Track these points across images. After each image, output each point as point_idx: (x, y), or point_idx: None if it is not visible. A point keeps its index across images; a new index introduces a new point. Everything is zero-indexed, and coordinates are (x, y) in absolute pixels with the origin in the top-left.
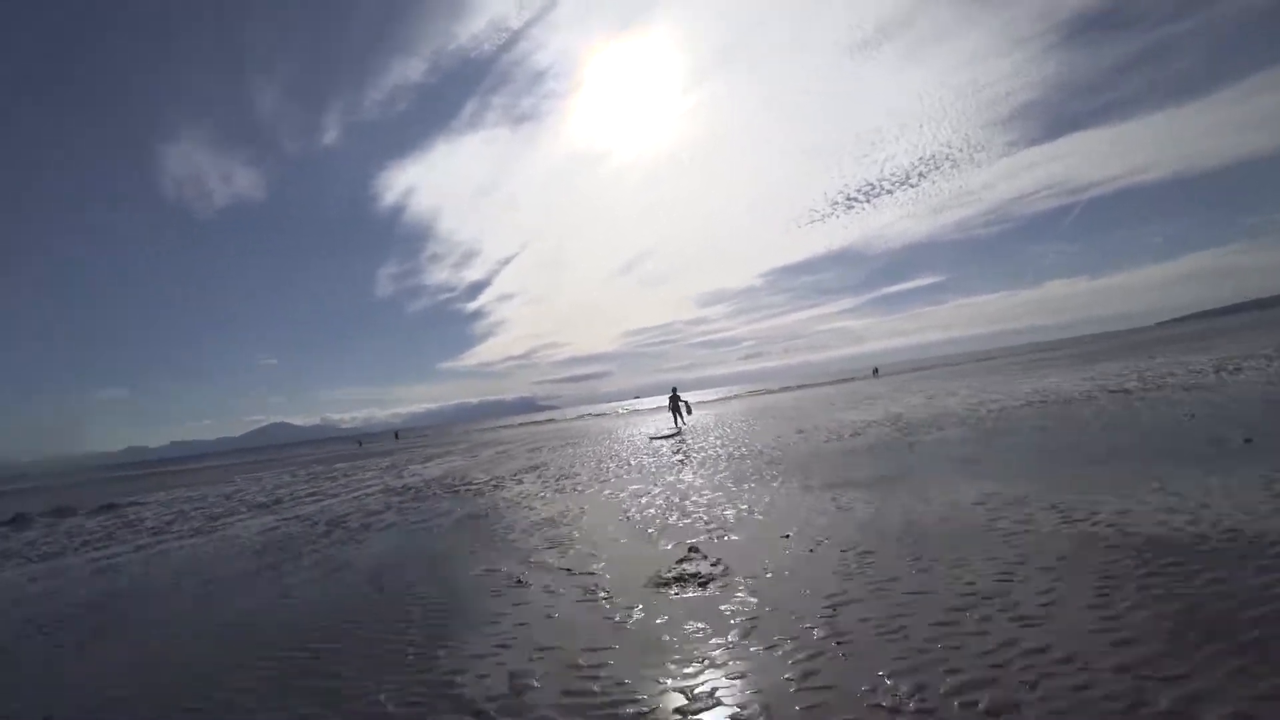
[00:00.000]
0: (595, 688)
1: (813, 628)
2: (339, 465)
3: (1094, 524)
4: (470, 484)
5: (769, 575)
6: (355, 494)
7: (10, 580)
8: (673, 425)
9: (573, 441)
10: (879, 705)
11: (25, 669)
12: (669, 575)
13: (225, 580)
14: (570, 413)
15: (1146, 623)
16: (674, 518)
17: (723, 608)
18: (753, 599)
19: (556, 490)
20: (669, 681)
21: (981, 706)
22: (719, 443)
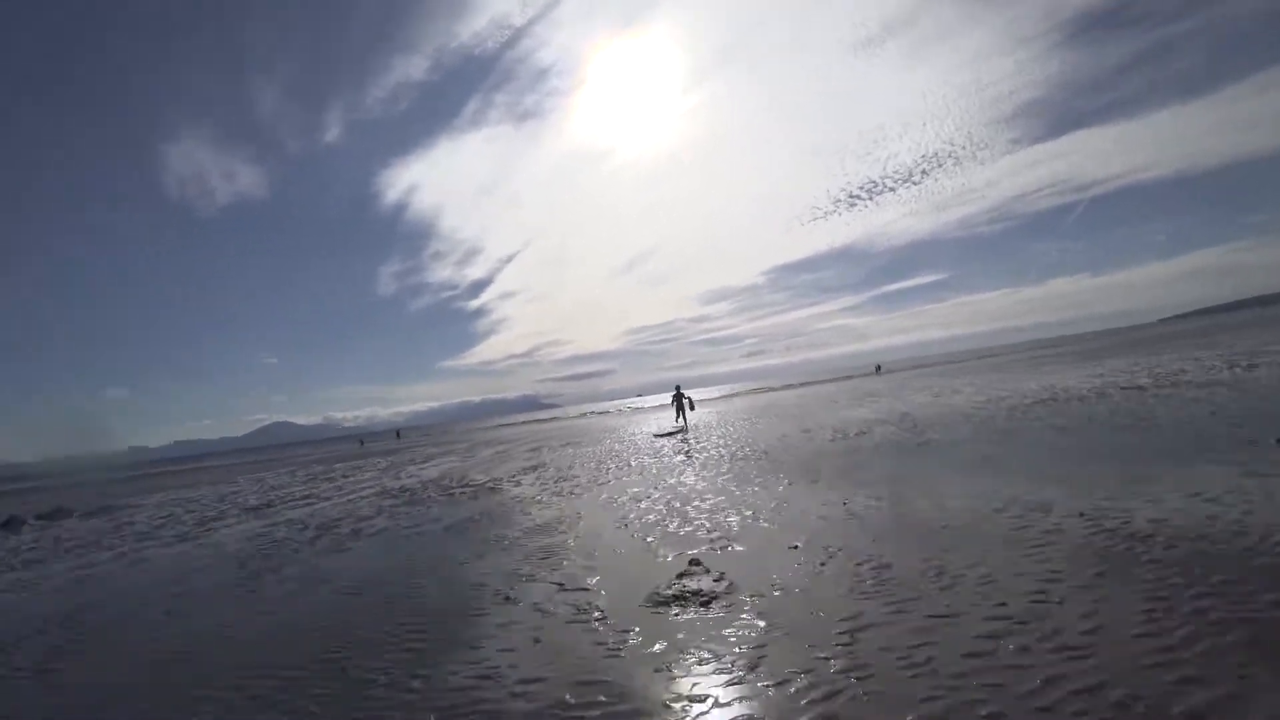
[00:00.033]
0: None
1: (828, 658)
2: (338, 466)
3: (1129, 534)
4: (466, 486)
5: (777, 593)
6: (349, 496)
7: None
8: (676, 422)
9: (573, 441)
10: None
11: None
12: (668, 593)
13: (200, 594)
14: (572, 411)
15: (1210, 656)
16: (674, 524)
17: (727, 632)
18: (760, 622)
19: (554, 493)
20: None
21: None
22: (721, 442)
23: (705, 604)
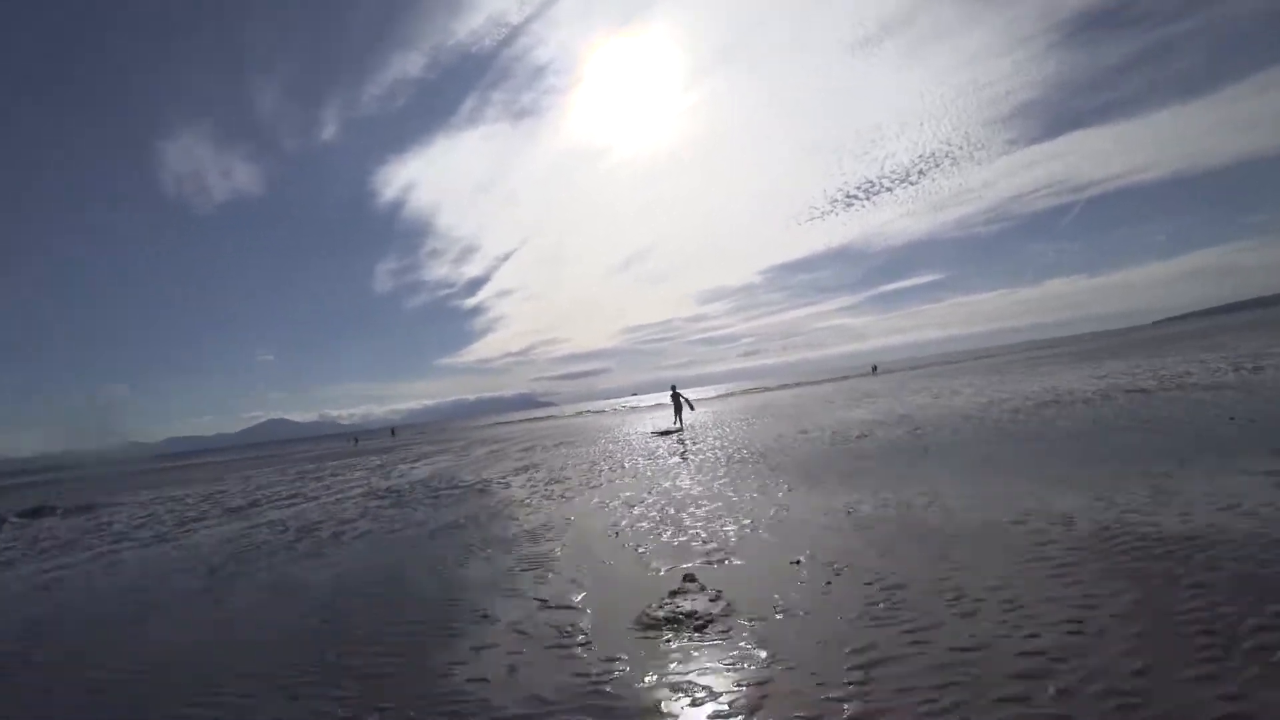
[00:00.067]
0: None
1: (840, 700)
2: (329, 464)
3: (1163, 552)
4: (456, 487)
5: (779, 617)
6: (336, 497)
7: None
8: (673, 422)
9: (567, 440)
10: None
11: None
12: (660, 614)
13: (165, 602)
14: (568, 410)
15: None
16: (668, 533)
17: (724, 663)
18: (760, 652)
19: (544, 497)
20: None
21: None
22: (718, 443)
23: (700, 628)
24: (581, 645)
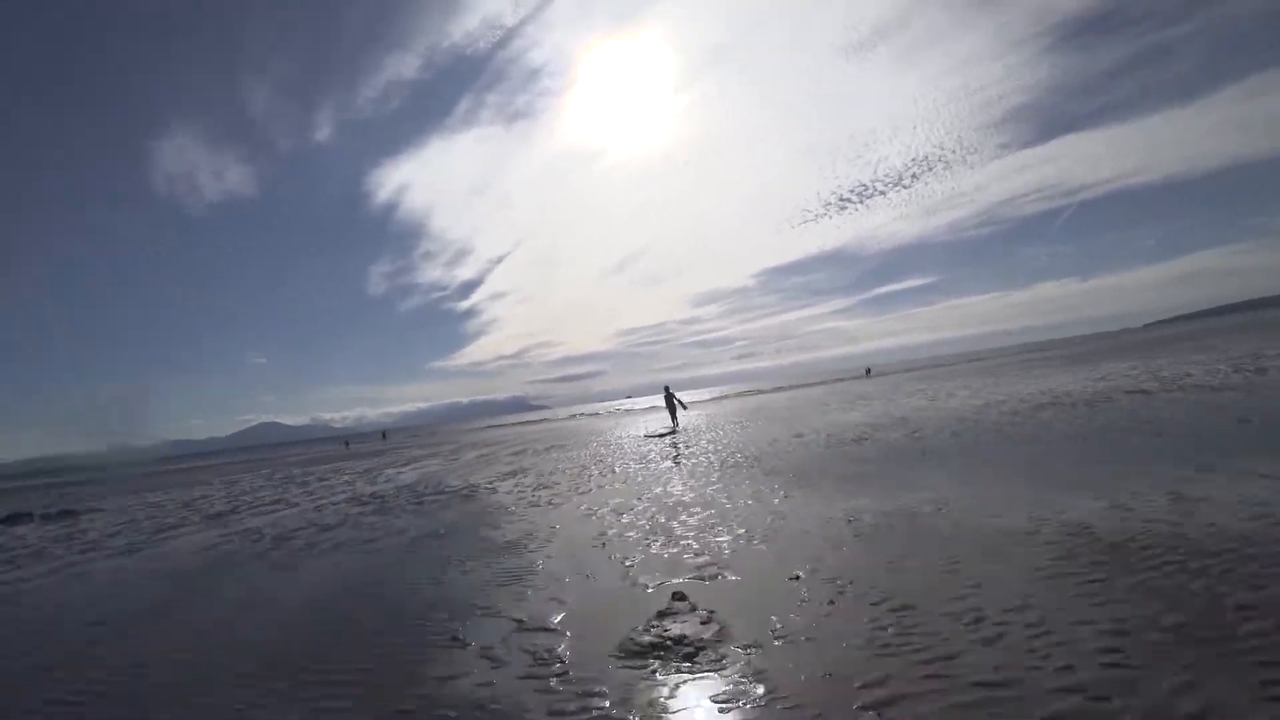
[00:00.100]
0: None
1: None
2: (316, 469)
3: (1199, 568)
4: (442, 492)
5: (777, 643)
6: (318, 503)
7: None
8: (667, 424)
9: (559, 444)
10: None
11: None
12: (646, 640)
13: (121, 619)
14: (562, 413)
15: None
16: (658, 544)
17: (716, 701)
18: (758, 687)
19: (530, 503)
20: None
21: None
22: (711, 447)
23: (689, 657)
24: (558, 676)
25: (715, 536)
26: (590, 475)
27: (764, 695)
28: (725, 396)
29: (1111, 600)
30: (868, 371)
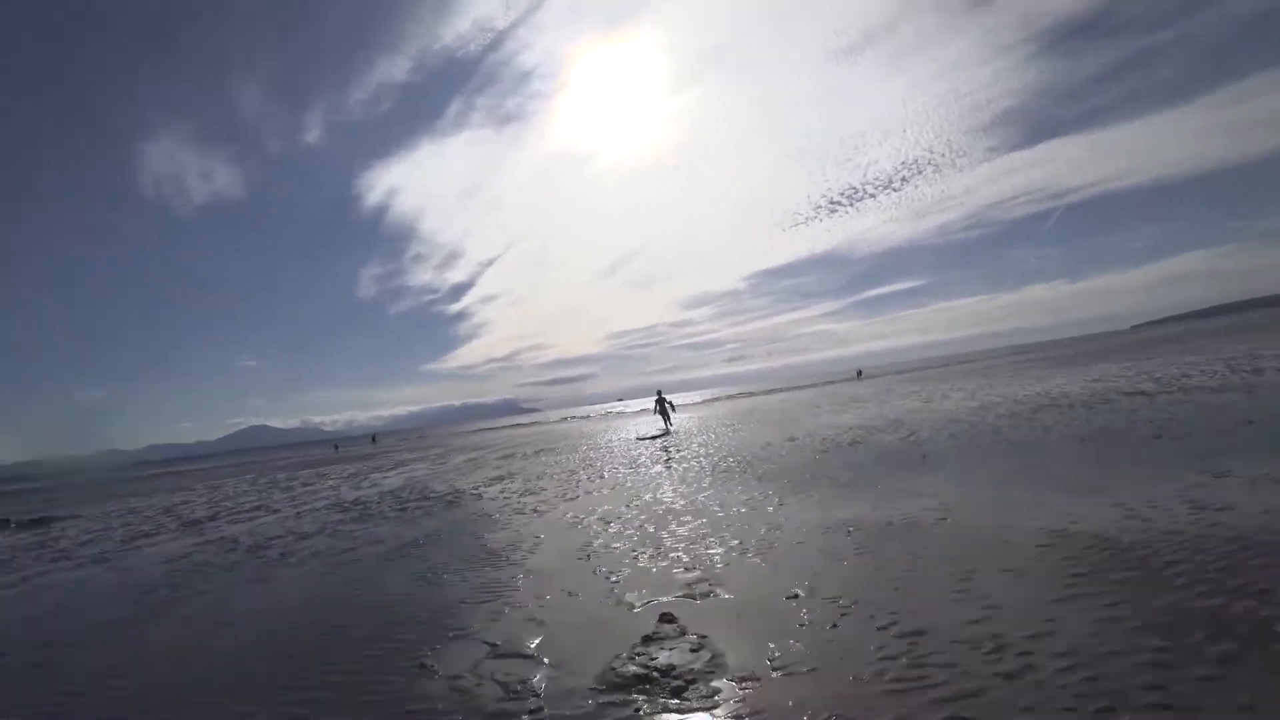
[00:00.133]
0: None
1: None
2: (302, 473)
3: (1237, 588)
4: (426, 498)
5: (775, 675)
6: (299, 509)
7: None
8: (659, 427)
9: (548, 448)
10: None
11: None
12: (630, 670)
13: (75, 639)
14: (552, 416)
15: None
16: (646, 556)
17: None
18: None
19: (515, 511)
20: None
21: None
22: (703, 451)
23: (678, 691)
24: (531, 713)
25: (707, 548)
26: (579, 480)
27: None
28: (716, 399)
29: (1146, 626)
30: (859, 374)
